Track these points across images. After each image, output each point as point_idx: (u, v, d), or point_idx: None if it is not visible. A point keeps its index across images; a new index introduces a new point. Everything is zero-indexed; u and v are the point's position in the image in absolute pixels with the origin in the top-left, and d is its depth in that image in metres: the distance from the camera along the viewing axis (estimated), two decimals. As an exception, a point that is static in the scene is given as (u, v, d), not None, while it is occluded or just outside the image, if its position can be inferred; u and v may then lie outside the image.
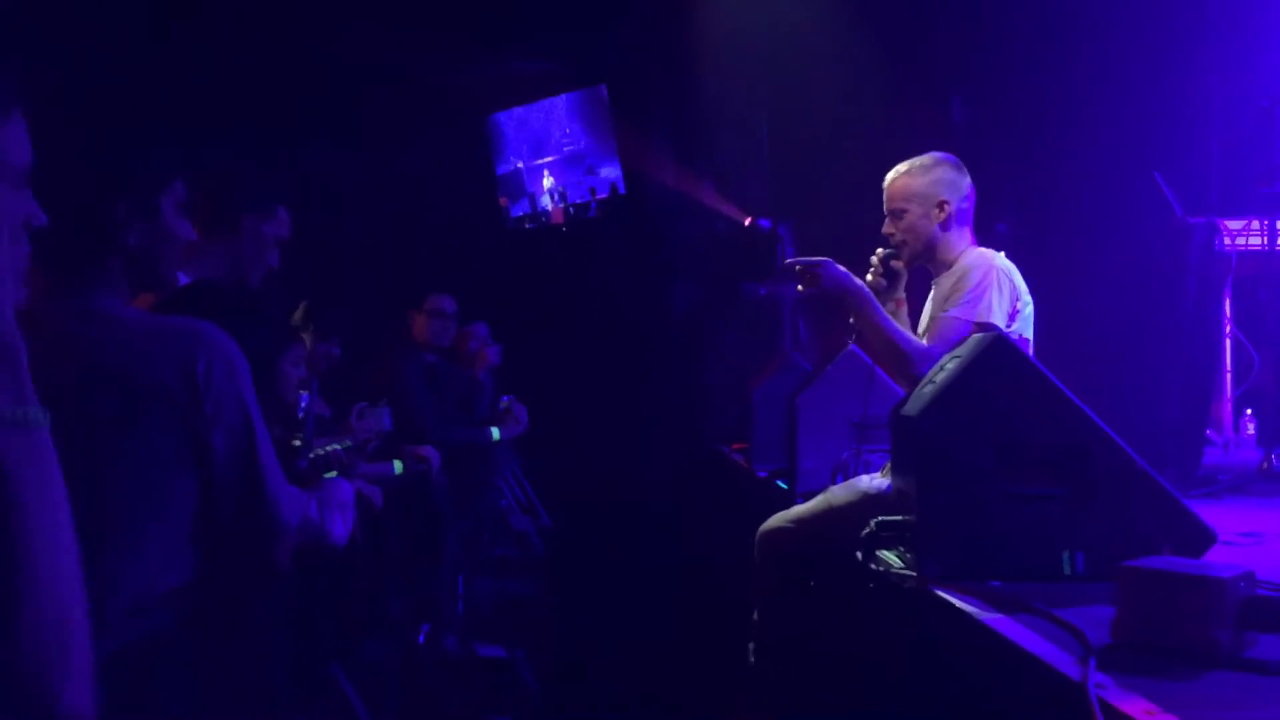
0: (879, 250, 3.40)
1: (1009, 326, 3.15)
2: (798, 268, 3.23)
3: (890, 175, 3.40)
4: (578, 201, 7.19)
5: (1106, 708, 1.63)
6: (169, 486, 1.83)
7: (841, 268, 3.20)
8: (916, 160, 3.38)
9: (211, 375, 1.86)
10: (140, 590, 1.77)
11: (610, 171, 6.94)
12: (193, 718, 1.80)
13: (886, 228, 3.39)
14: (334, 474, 2.62)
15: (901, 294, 3.47)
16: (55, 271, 1.81)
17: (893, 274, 3.41)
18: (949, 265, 3.32)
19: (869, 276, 3.36)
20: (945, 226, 3.31)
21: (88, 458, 1.76)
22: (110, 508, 1.77)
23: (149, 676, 1.74)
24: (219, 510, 1.89)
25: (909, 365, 3.11)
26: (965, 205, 3.35)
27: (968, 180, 3.37)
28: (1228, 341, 4.45)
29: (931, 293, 3.43)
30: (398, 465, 4.12)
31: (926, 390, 2.61)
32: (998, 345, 2.54)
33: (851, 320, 3.22)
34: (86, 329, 1.83)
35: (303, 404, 2.58)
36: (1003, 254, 3.30)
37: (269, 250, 2.94)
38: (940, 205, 3.30)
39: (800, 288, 3.24)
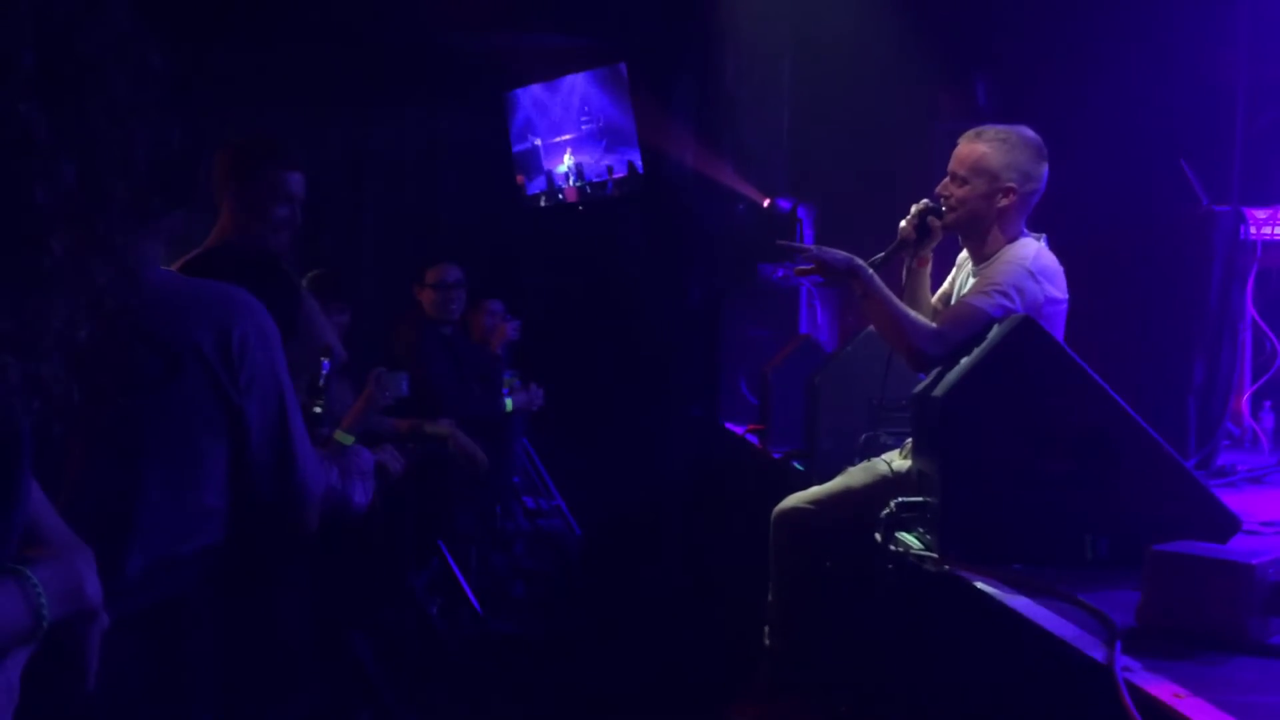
0: (922, 201, 3.18)
1: None
2: (802, 256, 3.09)
3: (968, 135, 3.15)
4: (594, 180, 7.15)
5: (1134, 690, 1.62)
6: (201, 448, 1.83)
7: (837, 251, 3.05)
8: (1001, 131, 3.12)
9: (247, 344, 1.86)
10: (169, 550, 1.77)
11: (628, 150, 6.89)
12: (214, 678, 1.81)
13: (943, 187, 3.15)
14: (354, 440, 2.62)
15: (929, 253, 3.27)
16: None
17: (927, 230, 3.18)
18: (987, 256, 3.11)
19: (902, 223, 3.18)
20: (1002, 214, 3.08)
21: (123, 417, 1.76)
22: (143, 467, 1.77)
23: (173, 635, 1.74)
24: (251, 476, 1.89)
25: (911, 338, 2.92)
26: (1031, 193, 3.10)
27: (1044, 168, 3.11)
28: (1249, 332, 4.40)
29: (968, 275, 3.24)
30: (414, 437, 4.12)
31: (952, 372, 2.60)
32: (1027, 327, 2.53)
33: (858, 294, 3.06)
34: None
35: (324, 371, 2.57)
36: (1043, 245, 3.10)
37: (273, 208, 2.85)
38: (1006, 192, 3.06)
39: (805, 274, 3.08)
